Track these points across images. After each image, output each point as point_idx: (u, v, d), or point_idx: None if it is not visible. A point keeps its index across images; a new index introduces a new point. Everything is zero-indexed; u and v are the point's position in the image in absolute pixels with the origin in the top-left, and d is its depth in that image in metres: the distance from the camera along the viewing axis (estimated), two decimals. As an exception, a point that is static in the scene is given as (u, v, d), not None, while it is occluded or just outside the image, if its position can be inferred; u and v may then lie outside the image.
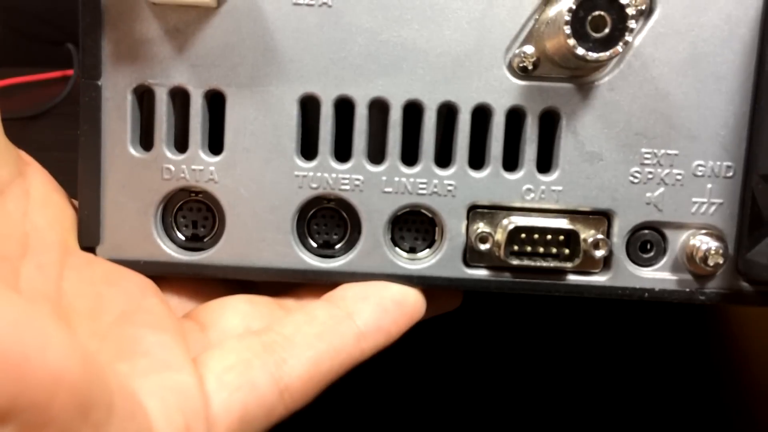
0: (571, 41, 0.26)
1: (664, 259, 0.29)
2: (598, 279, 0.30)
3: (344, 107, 0.29)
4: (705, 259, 0.28)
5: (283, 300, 0.30)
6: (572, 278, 0.30)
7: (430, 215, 0.29)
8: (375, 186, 0.29)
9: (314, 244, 0.30)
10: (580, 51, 0.26)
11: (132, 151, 0.29)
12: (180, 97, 0.29)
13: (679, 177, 0.29)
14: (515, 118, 0.29)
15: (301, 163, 0.29)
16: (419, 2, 0.28)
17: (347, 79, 0.28)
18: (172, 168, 0.29)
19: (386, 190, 0.29)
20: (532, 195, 0.29)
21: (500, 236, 0.29)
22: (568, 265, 0.29)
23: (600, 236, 0.28)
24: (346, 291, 0.29)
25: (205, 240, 0.30)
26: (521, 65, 0.28)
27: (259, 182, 0.29)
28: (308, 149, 0.29)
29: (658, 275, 0.29)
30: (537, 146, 0.29)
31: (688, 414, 0.38)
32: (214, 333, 0.28)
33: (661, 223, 0.29)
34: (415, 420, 0.38)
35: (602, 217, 0.29)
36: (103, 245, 0.29)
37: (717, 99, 0.28)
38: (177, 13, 0.28)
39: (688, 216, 0.29)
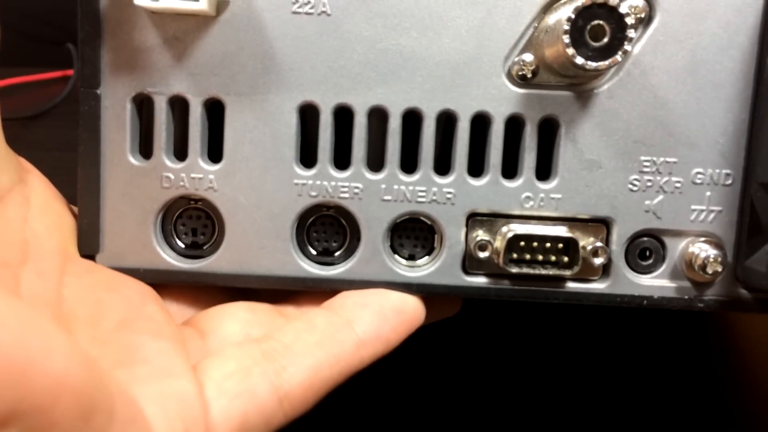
0: (570, 50, 0.26)
1: (663, 267, 0.30)
2: (597, 286, 0.30)
3: (343, 115, 0.29)
4: (704, 267, 0.28)
5: (283, 307, 0.30)
6: (571, 285, 0.30)
7: (429, 222, 0.30)
8: (374, 194, 0.29)
9: (313, 252, 0.30)
10: (579, 60, 0.26)
11: (131, 159, 0.29)
12: (179, 106, 0.29)
13: (678, 185, 0.29)
14: (514, 125, 0.29)
15: (300, 171, 0.29)
16: (418, 10, 0.28)
17: (346, 87, 0.28)
18: (172, 176, 0.29)
19: (385, 198, 0.29)
20: (532, 203, 0.29)
21: (499, 244, 0.29)
22: (567, 272, 0.29)
23: (599, 244, 0.28)
24: (346, 299, 0.29)
25: (204, 247, 0.30)
26: (520, 73, 0.28)
27: (259, 190, 0.29)
28: (307, 157, 0.29)
29: (656, 282, 0.30)
30: (536, 154, 0.29)
31: (689, 419, 0.39)
32: (213, 340, 0.28)
33: (660, 230, 0.29)
34: (414, 426, 0.38)
35: (601, 225, 0.29)
36: (103, 253, 0.29)
37: (716, 107, 0.28)
38: (176, 21, 0.28)
39: (686, 223, 0.29)
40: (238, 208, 0.29)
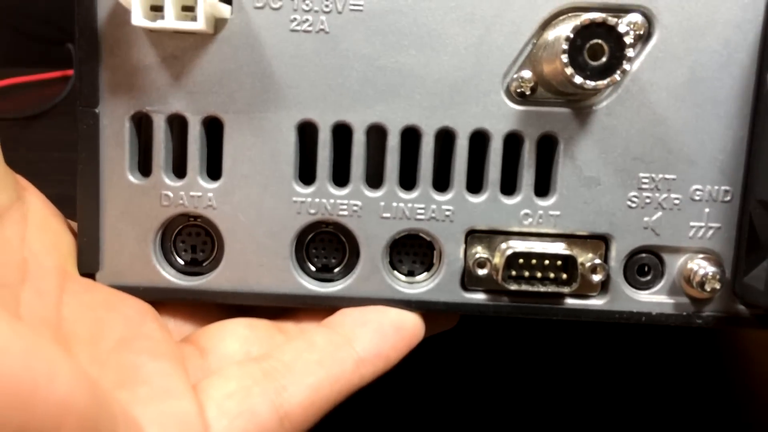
0: (569, 70, 0.26)
1: (662, 283, 0.30)
2: (596, 302, 0.30)
3: (342, 133, 0.29)
4: (702, 283, 0.28)
5: (282, 323, 0.30)
6: (570, 302, 0.30)
7: (428, 239, 0.30)
8: (373, 211, 0.29)
9: (313, 268, 0.30)
10: (578, 79, 0.26)
11: (130, 177, 0.29)
12: (178, 124, 0.29)
13: (676, 201, 0.29)
14: (513, 142, 0.29)
15: (299, 188, 0.29)
16: (417, 28, 0.28)
17: (345, 105, 0.28)
18: (171, 194, 0.29)
19: (384, 215, 0.29)
20: (530, 219, 0.29)
21: (498, 261, 0.29)
22: (566, 289, 0.29)
23: (598, 261, 0.28)
24: (345, 316, 0.29)
25: (204, 264, 0.30)
26: (519, 90, 0.28)
27: (258, 208, 0.29)
28: (306, 175, 0.29)
29: (655, 299, 0.30)
30: (535, 171, 0.29)
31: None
32: (213, 358, 0.28)
33: (659, 247, 0.29)
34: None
35: (600, 241, 0.29)
36: (103, 271, 0.29)
37: (715, 124, 0.28)
38: (174, 40, 0.28)
39: (685, 240, 0.29)
40: (237, 226, 0.29)
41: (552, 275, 0.29)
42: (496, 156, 0.29)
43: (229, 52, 0.28)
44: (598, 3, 0.27)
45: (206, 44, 0.28)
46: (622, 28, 0.26)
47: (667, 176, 0.29)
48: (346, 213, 0.29)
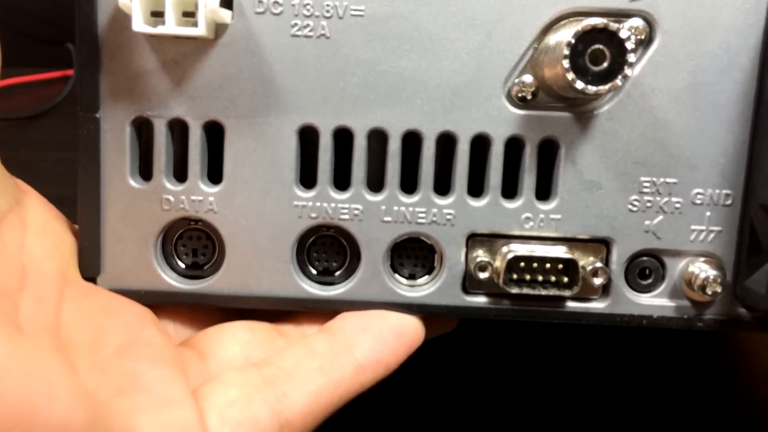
0: (570, 75, 0.26)
1: (663, 286, 0.30)
2: (597, 306, 0.30)
3: (343, 137, 0.29)
4: (703, 287, 0.29)
5: (282, 326, 0.30)
6: (571, 305, 0.30)
7: (429, 242, 0.30)
8: (374, 215, 0.29)
9: (314, 272, 0.30)
10: (580, 85, 0.26)
11: (131, 182, 0.29)
12: (179, 129, 0.29)
13: (678, 205, 0.29)
14: (514, 147, 0.29)
15: (300, 193, 0.29)
16: (417, 33, 0.28)
17: (346, 110, 0.28)
18: (172, 198, 0.29)
19: (385, 219, 0.29)
20: (531, 223, 0.29)
21: (499, 264, 0.29)
22: (567, 292, 0.29)
23: (599, 264, 0.28)
24: (345, 321, 0.29)
25: (205, 268, 0.30)
26: (520, 95, 0.28)
27: (259, 212, 0.29)
28: (307, 179, 0.29)
29: (656, 302, 0.30)
30: (536, 175, 0.29)
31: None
32: (213, 363, 0.28)
33: (660, 250, 0.29)
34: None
35: (601, 245, 0.29)
36: (104, 275, 0.29)
37: (716, 128, 0.28)
38: (175, 45, 0.28)
39: (686, 243, 0.29)
40: (238, 230, 0.29)
41: (553, 279, 0.29)
42: (497, 160, 0.29)
43: (230, 57, 0.28)
44: (599, 8, 0.27)
45: (207, 49, 0.28)
46: (623, 34, 0.25)
47: (668, 180, 0.29)
48: (347, 217, 0.29)
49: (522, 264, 0.29)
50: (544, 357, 0.43)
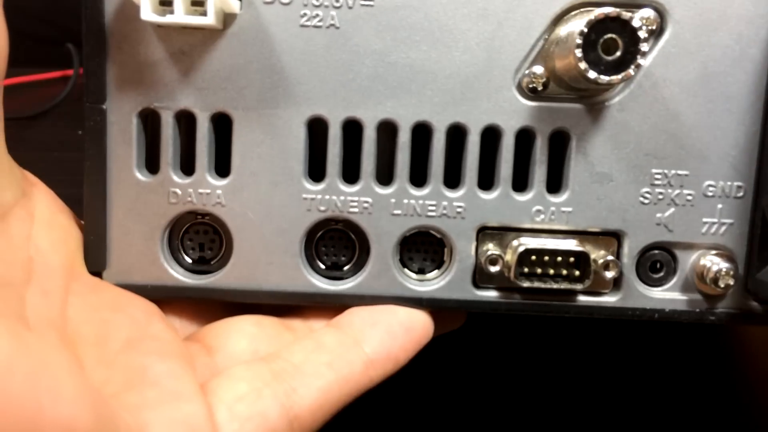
0: (583, 64, 0.26)
1: (674, 279, 0.29)
2: (609, 299, 0.29)
3: (352, 129, 0.29)
4: (715, 280, 0.28)
5: (289, 320, 0.30)
6: (582, 299, 0.29)
7: (439, 236, 0.29)
8: (384, 208, 0.29)
9: (322, 266, 0.30)
10: (592, 74, 0.26)
11: (138, 175, 0.28)
12: (186, 121, 0.29)
13: (689, 197, 0.29)
14: (525, 138, 0.29)
15: (309, 185, 0.29)
16: (428, 23, 0.28)
17: (355, 101, 0.28)
18: (179, 192, 0.28)
19: (395, 212, 0.29)
20: (542, 216, 0.29)
21: (510, 258, 0.28)
22: (579, 286, 0.29)
23: (610, 257, 0.28)
24: (354, 316, 0.29)
25: (212, 263, 0.30)
26: (531, 86, 0.28)
27: (267, 205, 0.29)
28: (316, 171, 0.29)
29: (668, 295, 0.29)
30: (547, 167, 0.29)
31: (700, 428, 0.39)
32: (221, 357, 0.28)
33: (672, 243, 0.29)
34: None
35: (612, 238, 0.29)
36: (110, 270, 0.29)
37: (728, 119, 0.28)
38: (182, 35, 0.28)
39: (698, 236, 0.29)
40: (246, 224, 0.29)
41: (564, 272, 0.29)
42: (508, 152, 0.28)
43: (238, 48, 0.28)
44: (610, -1, 0.27)
45: (215, 40, 0.28)
46: (635, 23, 0.25)
47: (679, 172, 0.28)
48: (356, 210, 0.29)
49: (533, 257, 0.29)
50: (552, 353, 0.43)
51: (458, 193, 0.29)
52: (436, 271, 0.30)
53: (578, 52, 0.25)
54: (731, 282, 0.28)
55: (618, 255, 0.29)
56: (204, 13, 0.26)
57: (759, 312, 0.29)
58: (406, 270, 0.30)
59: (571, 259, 0.29)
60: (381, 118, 0.28)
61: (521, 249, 0.28)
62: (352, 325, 0.28)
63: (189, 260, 0.30)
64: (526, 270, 0.29)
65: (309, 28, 0.28)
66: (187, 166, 0.29)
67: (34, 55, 0.65)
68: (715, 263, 0.29)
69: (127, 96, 0.28)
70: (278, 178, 0.28)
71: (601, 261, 0.28)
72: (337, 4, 0.27)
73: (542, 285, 0.29)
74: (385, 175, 0.29)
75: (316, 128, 0.29)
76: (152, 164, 0.29)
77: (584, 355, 0.43)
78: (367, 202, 0.29)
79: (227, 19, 0.27)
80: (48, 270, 0.26)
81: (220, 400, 0.25)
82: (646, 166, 0.28)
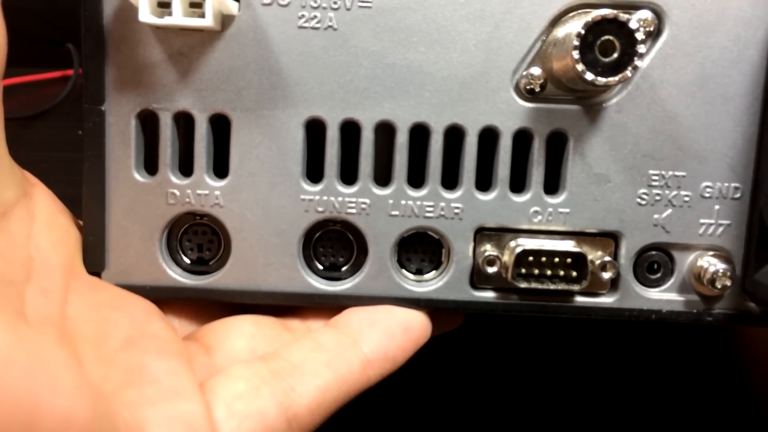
0: (580, 66, 0.26)
1: (672, 280, 0.29)
2: (606, 300, 0.29)
3: (350, 130, 0.29)
4: (713, 281, 0.28)
5: (288, 320, 0.30)
6: (580, 300, 0.29)
7: (436, 237, 0.29)
8: (381, 209, 0.29)
9: (320, 267, 0.30)
10: (589, 76, 0.26)
11: (136, 175, 0.28)
12: (184, 122, 0.29)
13: (686, 198, 0.29)
14: (522, 140, 0.29)
15: (307, 186, 0.29)
16: (425, 25, 0.28)
17: (353, 103, 0.28)
18: (177, 192, 0.29)
19: (393, 213, 0.29)
20: (540, 217, 0.29)
21: (508, 259, 0.29)
22: (576, 287, 0.29)
23: (607, 258, 0.28)
24: (352, 316, 0.29)
25: (210, 263, 0.30)
26: (528, 87, 0.28)
27: (265, 206, 0.29)
28: (314, 172, 0.29)
29: (665, 296, 0.29)
30: (544, 168, 0.29)
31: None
32: (219, 356, 0.28)
33: (669, 244, 0.29)
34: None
35: (610, 239, 0.29)
36: (109, 270, 0.29)
37: (725, 120, 0.28)
38: (181, 37, 0.28)
39: (695, 237, 0.29)
40: (244, 224, 0.29)
41: (562, 273, 0.29)
42: (506, 153, 0.28)
43: (236, 49, 0.28)
44: (607, 0, 0.27)
45: (213, 41, 0.28)
46: (633, 24, 0.25)
47: (677, 173, 0.28)
48: (354, 211, 0.29)
49: (530, 258, 0.29)
50: (550, 354, 0.43)
51: (456, 194, 0.29)
52: (433, 272, 0.30)
53: (575, 54, 0.26)
54: (728, 283, 0.28)
55: (615, 256, 0.29)
56: (202, 15, 0.26)
57: (756, 313, 0.29)
58: (403, 271, 0.30)
59: (569, 260, 0.29)
60: (379, 119, 0.28)
61: (519, 250, 0.28)
62: (350, 325, 0.29)
63: (187, 261, 0.30)
64: (523, 271, 0.29)
65: (307, 30, 0.28)
66: (186, 167, 0.29)
67: (34, 55, 0.65)
68: (712, 264, 0.29)
69: (125, 97, 0.28)
70: (276, 179, 0.28)
71: (598, 262, 0.28)
72: (335, 6, 0.27)
73: (539, 286, 0.29)
74: (382, 176, 0.29)
75: (314, 129, 0.29)
76: (151, 165, 0.29)
77: (582, 356, 0.43)
78: (365, 203, 0.29)
79: (225, 20, 0.27)
80: (48, 269, 0.26)
81: (219, 398, 0.25)
82: (643, 168, 0.28)
